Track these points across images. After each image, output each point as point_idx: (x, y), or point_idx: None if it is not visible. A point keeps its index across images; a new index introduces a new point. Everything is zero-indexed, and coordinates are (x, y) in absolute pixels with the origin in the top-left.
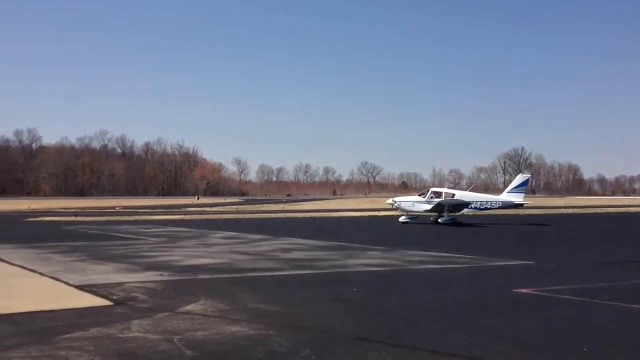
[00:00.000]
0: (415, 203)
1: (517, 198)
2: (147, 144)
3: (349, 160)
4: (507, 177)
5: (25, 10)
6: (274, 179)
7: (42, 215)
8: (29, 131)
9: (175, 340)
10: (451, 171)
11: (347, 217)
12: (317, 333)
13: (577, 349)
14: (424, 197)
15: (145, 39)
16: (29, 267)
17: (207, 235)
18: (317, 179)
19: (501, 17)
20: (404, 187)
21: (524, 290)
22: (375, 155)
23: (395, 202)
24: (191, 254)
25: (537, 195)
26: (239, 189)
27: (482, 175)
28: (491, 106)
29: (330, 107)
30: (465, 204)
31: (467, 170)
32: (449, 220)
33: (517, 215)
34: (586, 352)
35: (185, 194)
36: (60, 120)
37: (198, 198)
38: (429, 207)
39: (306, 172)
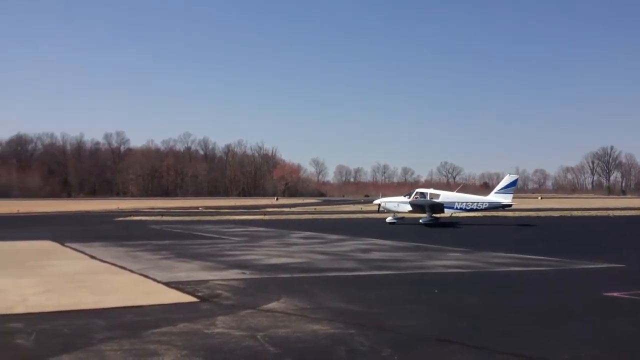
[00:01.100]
0: (401, 204)
1: (505, 199)
2: (228, 146)
3: (428, 160)
4: (595, 178)
5: (120, 19)
6: (352, 179)
7: (130, 215)
8: (118, 134)
9: (258, 336)
10: (536, 171)
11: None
12: (398, 333)
13: None
14: (410, 198)
15: (225, 42)
16: (119, 264)
17: (286, 235)
18: (395, 180)
19: (587, 14)
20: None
21: (615, 294)
22: (455, 155)
23: (381, 203)
24: (271, 253)
25: (627, 196)
26: (317, 190)
27: (569, 176)
28: (579, 104)
29: (409, 107)
30: (440, 205)
31: (552, 171)
32: (430, 221)
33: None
34: None
35: (264, 194)
36: (147, 123)
37: (277, 199)
38: (412, 208)
39: (384, 172)
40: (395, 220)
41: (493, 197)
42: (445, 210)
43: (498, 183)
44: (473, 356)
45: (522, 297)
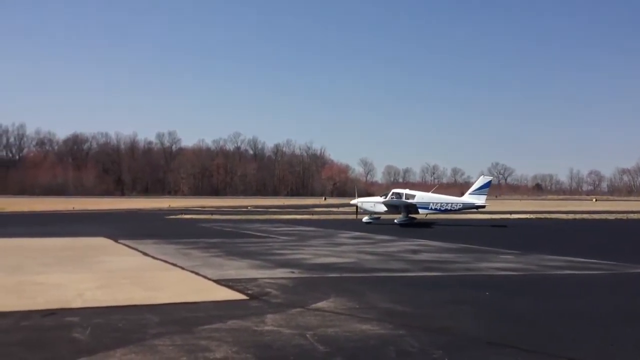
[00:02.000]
0: (377, 204)
1: (479, 200)
2: (277, 146)
3: (479, 161)
4: None
5: (172, 19)
6: (400, 180)
7: (181, 213)
8: (170, 134)
9: (307, 335)
10: (590, 173)
11: (477, 219)
12: (449, 335)
13: None
14: (385, 198)
15: (274, 44)
16: (171, 261)
17: (334, 235)
18: (444, 180)
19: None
20: (538, 189)
21: None
22: (506, 155)
23: (359, 202)
24: (320, 253)
25: None
26: (365, 190)
27: (625, 178)
28: (636, 102)
29: (459, 106)
30: (414, 205)
31: (608, 172)
32: (405, 221)
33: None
34: None
35: (312, 194)
36: (198, 123)
37: (325, 199)
38: (390, 207)
39: (433, 173)
40: (371, 220)
41: (467, 198)
42: (420, 210)
43: (552, 185)
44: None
45: (577, 301)
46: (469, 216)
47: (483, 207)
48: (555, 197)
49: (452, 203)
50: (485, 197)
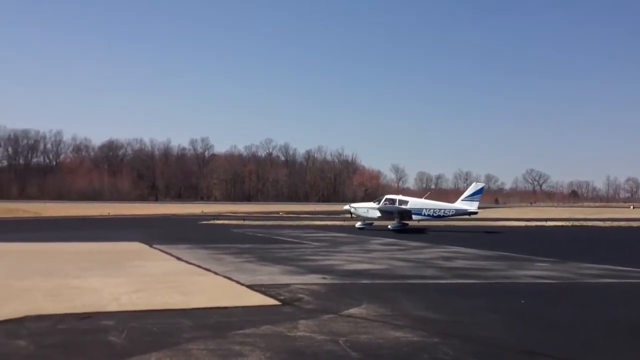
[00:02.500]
0: (370, 209)
1: (471, 206)
2: (308, 152)
3: (513, 167)
4: None
5: (203, 30)
6: (433, 186)
7: (214, 219)
8: (203, 140)
9: (340, 341)
10: (628, 180)
11: (511, 227)
12: (483, 343)
13: None
14: (378, 204)
15: (305, 50)
16: (204, 266)
17: (366, 241)
18: None
19: None
20: (574, 196)
21: None
22: (541, 162)
23: (352, 208)
24: (351, 259)
25: None
26: None
27: None
28: None
29: (493, 112)
30: (408, 211)
31: None
32: (399, 227)
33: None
34: None
35: (343, 200)
36: (230, 129)
37: None
38: (381, 214)
39: (466, 179)
40: (364, 226)
41: (459, 205)
42: (414, 216)
43: (588, 192)
44: None
45: (615, 310)
46: (474, 222)
47: (475, 213)
48: (591, 204)
49: (444, 209)
50: (477, 203)
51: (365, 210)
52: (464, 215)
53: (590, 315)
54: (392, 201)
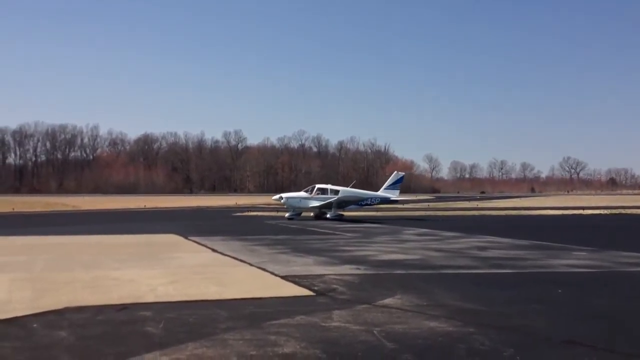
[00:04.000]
0: (302, 199)
1: (393, 194)
2: (340, 143)
3: (549, 155)
4: None
5: (236, 25)
6: (467, 175)
7: (247, 211)
8: (236, 133)
9: (375, 332)
10: None
11: (548, 216)
12: (520, 333)
13: None
14: (310, 194)
15: (336, 43)
16: (238, 257)
17: (400, 232)
18: (513, 176)
19: None
20: (613, 183)
21: None
22: (578, 150)
23: (283, 198)
24: (385, 250)
25: None
26: (431, 187)
27: None
28: None
29: (528, 99)
30: (347, 201)
31: None
32: (337, 216)
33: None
34: None
35: (377, 190)
36: (263, 122)
37: None
38: (317, 203)
39: (501, 168)
40: (293, 216)
41: (383, 193)
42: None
43: (627, 179)
44: (601, 359)
45: None
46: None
47: (397, 201)
48: (630, 191)
49: (371, 198)
50: (398, 192)
51: (297, 200)
52: (387, 204)
53: (629, 304)
54: (324, 190)
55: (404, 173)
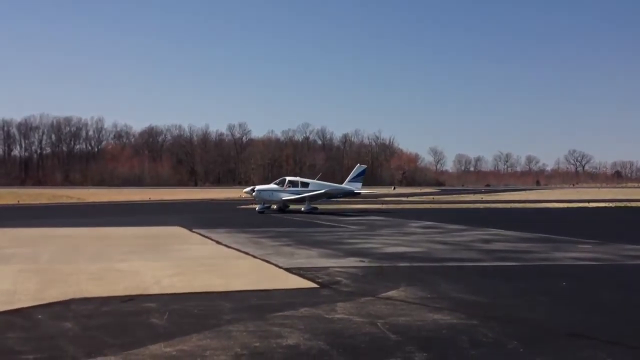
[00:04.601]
0: (274, 192)
1: (356, 187)
2: (345, 136)
3: (554, 148)
4: None
5: (241, 19)
6: (472, 168)
7: (252, 203)
8: (240, 125)
9: (378, 323)
10: None
11: (553, 209)
12: (524, 326)
13: None
14: (282, 187)
15: (342, 35)
16: (242, 250)
17: (404, 225)
18: (518, 169)
19: None
20: (618, 176)
21: None
22: (584, 142)
23: (255, 190)
24: (390, 242)
25: None
26: (435, 179)
27: None
28: None
29: (533, 92)
30: (322, 194)
31: None
32: (311, 209)
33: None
34: None
35: (381, 183)
36: (267, 114)
37: (394, 188)
38: (290, 196)
39: (506, 161)
40: (264, 209)
41: (347, 186)
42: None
43: (632, 172)
44: (605, 351)
45: None
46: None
47: (359, 194)
48: (635, 184)
49: (337, 190)
50: (360, 184)
51: (269, 193)
52: (351, 197)
53: (634, 296)
54: (294, 183)
55: (365, 166)
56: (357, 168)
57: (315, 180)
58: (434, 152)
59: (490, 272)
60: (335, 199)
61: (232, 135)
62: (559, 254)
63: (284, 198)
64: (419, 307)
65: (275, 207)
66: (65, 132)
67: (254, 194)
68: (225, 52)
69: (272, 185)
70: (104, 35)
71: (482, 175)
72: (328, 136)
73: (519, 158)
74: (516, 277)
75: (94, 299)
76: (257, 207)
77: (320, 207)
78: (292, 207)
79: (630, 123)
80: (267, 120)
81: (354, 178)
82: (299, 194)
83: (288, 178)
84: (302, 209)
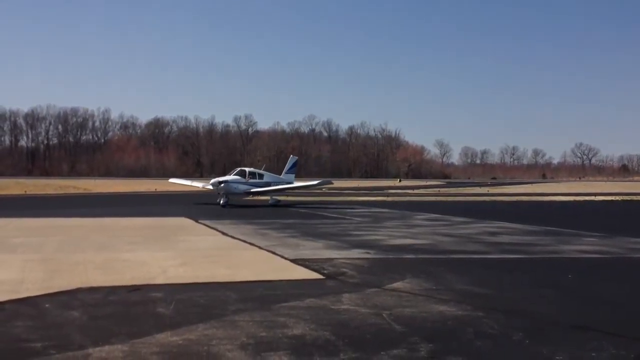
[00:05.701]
0: (240, 184)
1: (292, 179)
2: (351, 128)
3: (561, 141)
4: None
5: (245, 8)
6: (478, 161)
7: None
8: (246, 117)
9: (384, 315)
10: None
11: (559, 202)
12: (529, 318)
13: None
14: (245, 178)
15: (348, 28)
16: (248, 240)
17: (410, 217)
18: (524, 162)
19: None
20: (625, 170)
21: None
22: (591, 135)
23: (222, 182)
24: (395, 234)
25: None
26: (441, 172)
27: None
28: None
29: (540, 85)
30: (285, 188)
31: None
32: (276, 202)
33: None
34: None
35: (387, 176)
36: (273, 106)
37: (400, 180)
38: (254, 188)
39: (513, 154)
40: (226, 203)
41: (286, 177)
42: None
43: (639, 166)
44: (611, 343)
45: None
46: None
47: (292, 183)
48: None
49: (284, 182)
50: (293, 176)
51: (235, 185)
52: (289, 189)
53: (638, 289)
54: (254, 175)
55: (297, 157)
56: (291, 159)
57: (265, 172)
58: (440, 144)
59: (495, 264)
60: (282, 191)
61: (238, 126)
62: (565, 246)
63: (248, 190)
64: (424, 299)
65: (270, 201)
66: (71, 123)
67: (221, 185)
68: (231, 44)
69: (235, 177)
70: (111, 26)
71: (488, 168)
72: (334, 128)
73: (526, 151)
74: (522, 270)
75: (100, 289)
76: (221, 200)
77: (280, 198)
78: (245, 200)
79: (637, 117)
80: (273, 112)
81: (289, 169)
82: (259, 187)
83: (248, 169)
84: (269, 201)
